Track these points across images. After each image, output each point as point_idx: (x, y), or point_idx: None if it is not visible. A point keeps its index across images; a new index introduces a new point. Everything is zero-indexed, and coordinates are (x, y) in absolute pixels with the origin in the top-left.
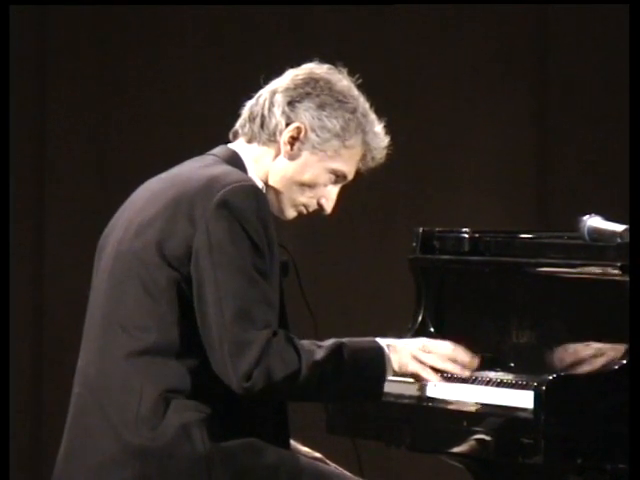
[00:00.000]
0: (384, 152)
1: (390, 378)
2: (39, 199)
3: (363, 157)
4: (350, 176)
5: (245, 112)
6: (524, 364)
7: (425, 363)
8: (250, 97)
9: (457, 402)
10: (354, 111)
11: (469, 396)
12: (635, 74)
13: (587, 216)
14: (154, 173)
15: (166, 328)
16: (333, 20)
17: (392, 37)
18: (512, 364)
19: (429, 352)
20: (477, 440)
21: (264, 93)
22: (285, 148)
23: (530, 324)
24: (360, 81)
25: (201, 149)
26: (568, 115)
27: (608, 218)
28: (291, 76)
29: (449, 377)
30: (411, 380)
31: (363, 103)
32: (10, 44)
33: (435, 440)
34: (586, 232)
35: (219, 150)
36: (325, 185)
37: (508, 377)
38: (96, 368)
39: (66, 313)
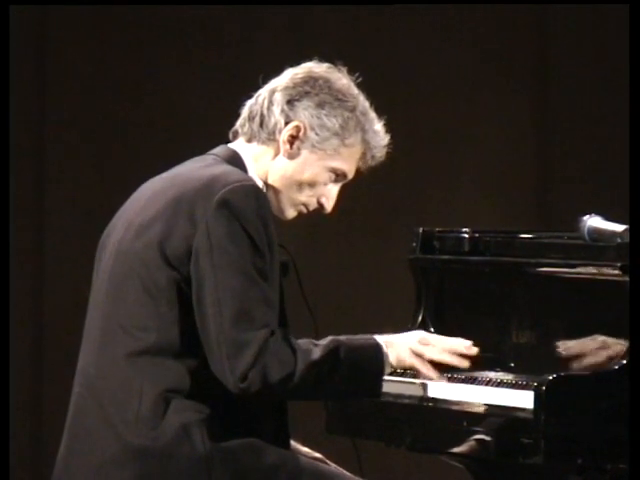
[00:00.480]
0: (384, 151)
1: (390, 378)
2: (39, 199)
3: (363, 156)
4: (350, 175)
5: (245, 111)
6: (524, 364)
7: (423, 356)
8: (250, 97)
9: (457, 402)
10: (353, 109)
11: (469, 396)
12: (635, 74)
13: (587, 216)
14: (154, 173)
15: (166, 328)
16: (333, 20)
17: (392, 37)
18: (512, 364)
19: (426, 344)
20: (477, 440)
21: (263, 92)
22: (284, 147)
23: (530, 324)
24: (360, 80)
25: (201, 149)
26: (568, 115)
27: (608, 218)
28: (290, 75)
29: (450, 377)
30: (411, 380)
31: (363, 102)
32: (10, 44)
33: (435, 440)
34: (586, 232)
35: (219, 150)
36: (325, 184)
37: (508, 377)
38: (96, 368)
39: (66, 313)
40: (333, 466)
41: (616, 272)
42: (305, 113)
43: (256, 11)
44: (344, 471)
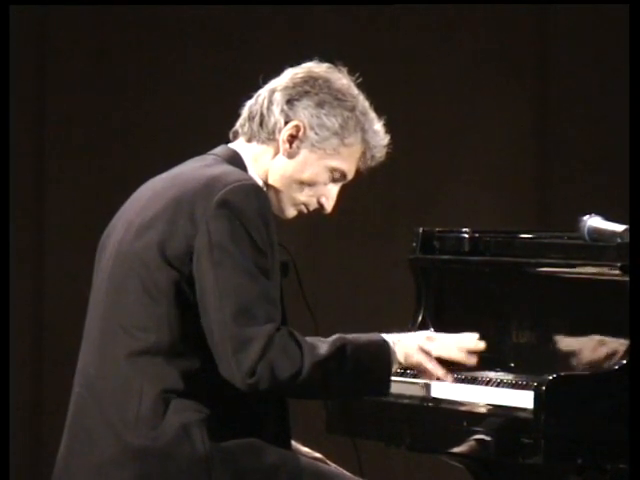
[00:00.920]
0: (384, 151)
1: (392, 378)
2: (39, 199)
3: (363, 155)
4: (350, 175)
5: (245, 111)
6: (524, 364)
7: (430, 353)
8: (250, 97)
9: (457, 402)
10: (353, 109)
11: (469, 396)
12: (635, 74)
13: (587, 216)
14: (154, 173)
15: (166, 328)
16: (333, 20)
17: (392, 37)
18: (512, 364)
19: (434, 342)
20: (477, 440)
21: (263, 92)
22: (284, 146)
23: (530, 324)
24: (360, 80)
25: (201, 149)
26: (568, 115)
27: (608, 218)
28: (290, 75)
29: (455, 377)
30: (413, 380)
31: (362, 101)
32: (10, 44)
33: (435, 440)
34: (586, 232)
35: (220, 150)
36: (325, 184)
37: (508, 377)
38: (96, 368)
39: (66, 313)
40: (333, 466)
41: (616, 272)
42: (305, 112)
43: (256, 11)
44: (344, 471)
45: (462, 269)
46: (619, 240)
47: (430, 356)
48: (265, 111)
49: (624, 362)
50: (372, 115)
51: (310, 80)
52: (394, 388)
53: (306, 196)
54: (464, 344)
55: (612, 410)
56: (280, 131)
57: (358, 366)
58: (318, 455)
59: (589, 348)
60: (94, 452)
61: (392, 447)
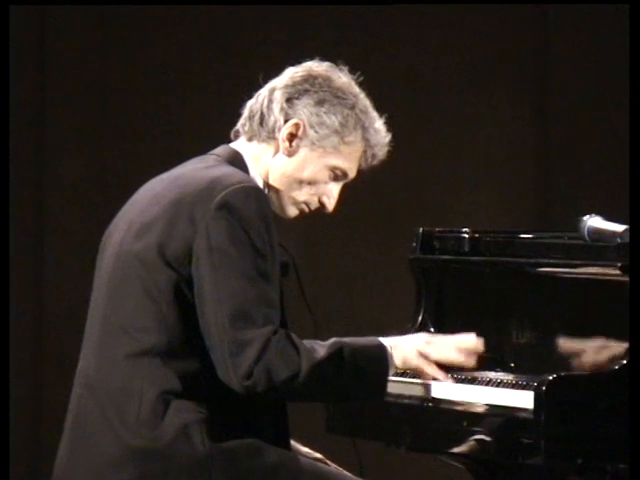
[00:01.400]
0: (385, 149)
1: (390, 378)
2: (39, 199)
3: (364, 154)
4: (351, 173)
5: (245, 111)
6: (524, 364)
7: (429, 356)
8: (251, 96)
9: (457, 402)
10: (353, 107)
11: (469, 396)
12: (635, 74)
13: (587, 216)
14: (155, 173)
15: (166, 330)
16: (333, 20)
17: (392, 38)
18: (512, 364)
19: (432, 345)
20: (477, 440)
21: (263, 91)
22: (284, 145)
23: (530, 324)
24: (361, 79)
25: (203, 149)
26: (568, 115)
27: (608, 218)
28: (290, 74)
29: (453, 377)
30: (413, 380)
31: (363, 100)
32: (10, 44)
33: (435, 440)
34: (586, 232)
35: (221, 150)
36: (326, 183)
37: (508, 377)
38: (96, 369)
39: (66, 313)
40: (333, 466)
41: (616, 272)
42: (304, 111)
43: (257, 11)
44: (344, 471)
45: (462, 269)
46: (619, 240)
47: (429, 360)
48: (265, 110)
49: (624, 362)
50: (373, 113)
51: (310, 79)
52: (394, 388)
53: (307, 195)
54: (463, 345)
55: (612, 410)
56: (280, 130)
57: (355, 370)
58: (318, 455)
59: (589, 348)
60: (94, 453)
61: (392, 447)
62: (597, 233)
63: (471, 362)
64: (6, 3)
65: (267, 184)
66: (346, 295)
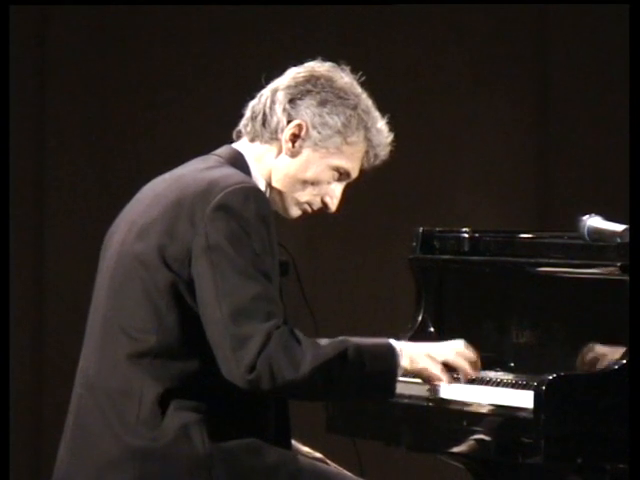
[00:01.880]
0: (388, 149)
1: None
2: (39, 199)
3: (366, 154)
4: (354, 173)
5: (248, 111)
6: (524, 364)
7: (436, 359)
8: (253, 97)
9: (457, 402)
10: (355, 107)
11: (469, 396)
12: (635, 74)
13: (587, 216)
14: (155, 173)
15: (166, 330)
16: (334, 20)
17: (392, 38)
18: (512, 364)
19: (440, 349)
20: (477, 440)
21: (266, 92)
22: (287, 145)
23: (530, 324)
24: (363, 79)
25: (203, 150)
26: (568, 115)
27: (608, 218)
28: (292, 74)
29: (456, 378)
30: (413, 380)
31: (365, 100)
32: (10, 44)
33: (435, 440)
34: (586, 232)
35: (222, 150)
36: (328, 183)
37: (508, 377)
38: (96, 369)
39: (67, 312)
40: (333, 466)
41: (616, 272)
42: (307, 111)
43: (258, 11)
44: (344, 471)
45: (462, 269)
46: (619, 240)
47: (436, 361)
48: (268, 110)
49: (624, 362)
50: (375, 113)
51: (312, 79)
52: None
53: (310, 195)
54: (468, 355)
55: (612, 410)
56: (283, 130)
57: (362, 368)
58: (318, 455)
59: (589, 348)
60: (94, 453)
61: (392, 447)
62: (597, 233)
63: (472, 374)
64: (6, 3)
65: (269, 185)
66: (346, 295)
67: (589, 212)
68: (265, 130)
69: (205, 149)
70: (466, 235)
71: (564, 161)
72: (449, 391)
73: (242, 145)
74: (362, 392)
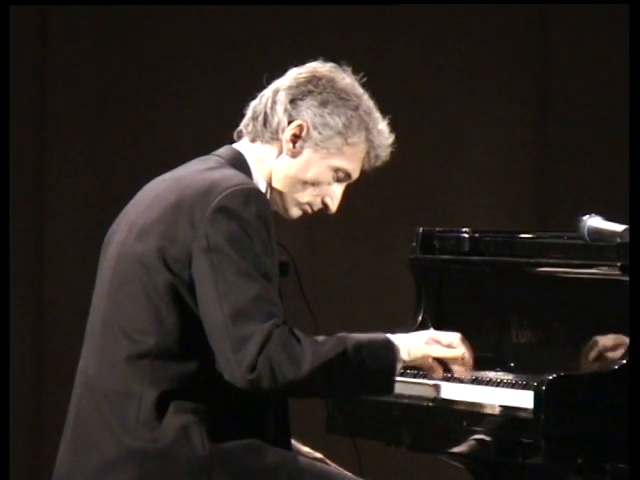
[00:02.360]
0: (388, 150)
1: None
2: (39, 199)
3: (367, 155)
4: (355, 174)
5: (249, 111)
6: (524, 364)
7: (434, 349)
8: (254, 97)
9: (457, 402)
10: (356, 108)
11: (469, 396)
12: (635, 74)
13: (587, 216)
14: (155, 173)
15: (166, 332)
16: (335, 21)
17: (393, 38)
18: (512, 364)
19: (438, 338)
20: (477, 440)
21: (267, 92)
22: (287, 146)
23: (530, 324)
24: (365, 79)
25: (203, 150)
26: (568, 115)
27: (608, 218)
28: (294, 75)
29: (450, 377)
30: (413, 380)
31: (367, 101)
32: (10, 44)
33: (435, 440)
34: (586, 232)
35: (223, 150)
36: (329, 183)
37: (508, 377)
38: (96, 370)
39: (67, 312)
40: (333, 466)
41: (616, 272)
42: (308, 112)
43: (259, 11)
44: (344, 471)
45: (462, 269)
46: (619, 240)
47: (435, 351)
48: (269, 111)
49: (624, 362)
50: (376, 114)
51: (314, 79)
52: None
53: (310, 196)
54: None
55: (612, 410)
56: (283, 131)
57: (361, 363)
58: (318, 455)
59: (589, 348)
60: (94, 453)
61: (392, 447)
62: (597, 233)
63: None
64: (6, 3)
65: (270, 185)
66: (346, 295)
67: (589, 212)
68: (266, 130)
69: (205, 149)
70: (466, 235)
71: (564, 161)
72: (449, 391)
73: (243, 145)
74: (362, 387)
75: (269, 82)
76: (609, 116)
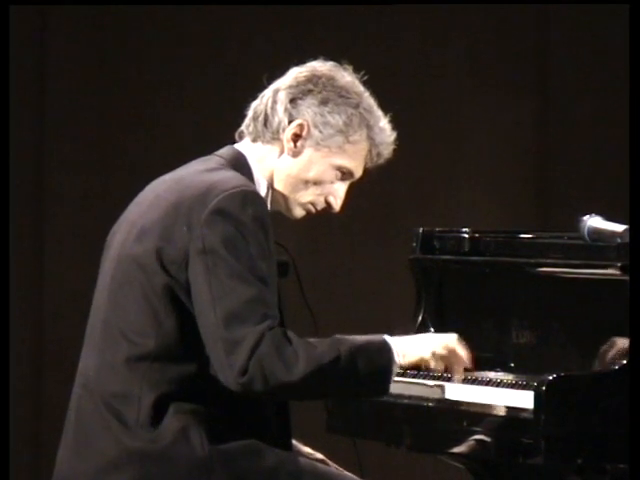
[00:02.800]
0: (390, 147)
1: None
2: (39, 199)
3: (369, 153)
4: (357, 173)
5: (250, 112)
6: (524, 364)
7: (431, 349)
8: (255, 97)
9: (457, 402)
10: (357, 106)
11: (469, 396)
12: (635, 74)
13: (587, 216)
14: (155, 173)
15: (165, 334)
16: (336, 20)
17: (392, 38)
18: (512, 364)
19: (434, 340)
20: (477, 440)
21: (267, 92)
22: (288, 145)
23: (530, 324)
24: (365, 78)
25: (204, 151)
26: (568, 115)
27: (608, 218)
28: (294, 74)
29: (449, 377)
30: (413, 380)
31: (367, 98)
32: (10, 44)
33: (435, 440)
34: (586, 232)
35: (224, 151)
36: (332, 182)
37: (508, 377)
38: (95, 371)
39: (67, 311)
40: (334, 467)
41: (616, 272)
42: (308, 111)
43: (260, 11)
44: (345, 472)
45: (462, 269)
46: (619, 240)
47: (431, 352)
48: (269, 111)
49: (624, 362)
50: (378, 112)
51: (314, 78)
52: (394, 388)
53: (313, 195)
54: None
55: (612, 410)
56: (284, 130)
57: (356, 367)
58: (320, 456)
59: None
60: (94, 454)
61: (392, 447)
62: (597, 233)
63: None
64: (6, 3)
65: (272, 185)
66: (346, 295)
67: (589, 212)
68: (267, 130)
69: (205, 149)
70: (466, 235)
71: (564, 161)
72: (449, 391)
73: (244, 146)
74: (357, 390)
75: (270, 82)
76: (609, 116)
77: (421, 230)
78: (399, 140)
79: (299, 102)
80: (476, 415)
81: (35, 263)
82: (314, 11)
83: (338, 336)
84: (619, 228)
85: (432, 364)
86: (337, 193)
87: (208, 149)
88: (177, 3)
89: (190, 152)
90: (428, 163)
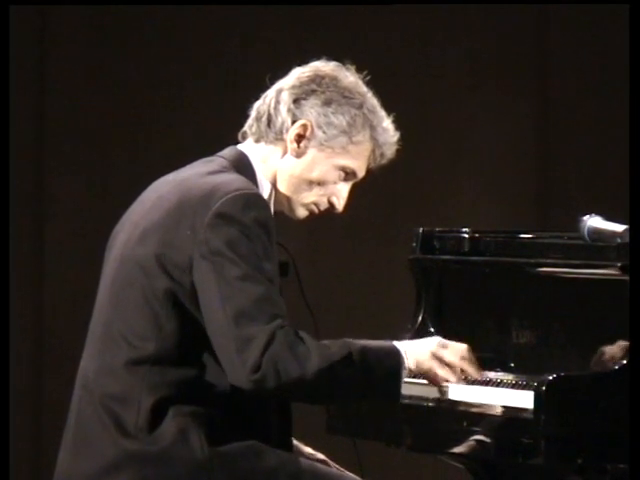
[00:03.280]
0: (394, 148)
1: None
2: (39, 199)
3: (372, 153)
4: (360, 173)
5: (253, 112)
6: (524, 364)
7: (442, 359)
8: (258, 98)
9: (457, 402)
10: (360, 107)
11: (469, 396)
12: (635, 74)
13: (587, 216)
14: (156, 173)
15: (165, 338)
16: (338, 20)
17: (392, 38)
18: (512, 364)
19: (445, 348)
20: (477, 440)
21: (270, 92)
22: (292, 146)
23: (530, 324)
24: (368, 78)
25: (206, 152)
26: (568, 115)
27: (608, 218)
28: (297, 74)
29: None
30: (413, 380)
31: (370, 99)
32: (10, 44)
33: (435, 440)
34: (586, 232)
35: (227, 152)
36: (335, 183)
37: (508, 377)
38: (95, 373)
39: (66, 312)
40: (335, 467)
41: (616, 272)
42: (312, 111)
43: (262, 11)
44: (346, 472)
45: (462, 269)
46: (619, 240)
47: (442, 362)
48: (272, 111)
49: (624, 362)
50: (381, 112)
51: (317, 79)
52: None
53: (316, 196)
54: (471, 359)
55: (612, 410)
56: (288, 131)
57: (367, 370)
58: (321, 456)
59: (589, 348)
60: (94, 456)
61: (392, 447)
62: (597, 233)
63: (477, 375)
64: (6, 3)
65: (275, 186)
66: (346, 295)
67: (589, 212)
68: (270, 131)
69: (206, 150)
70: (466, 235)
71: (564, 161)
72: (449, 392)
73: (247, 146)
74: (367, 394)
75: (273, 82)
76: (609, 116)
77: (421, 230)
78: (399, 140)
79: (302, 102)
80: (476, 415)
81: (35, 263)
82: (314, 11)
83: (349, 339)
84: (619, 228)
85: (440, 373)
86: (340, 193)
87: (208, 149)
88: (177, 3)
89: (190, 152)
90: (428, 163)
